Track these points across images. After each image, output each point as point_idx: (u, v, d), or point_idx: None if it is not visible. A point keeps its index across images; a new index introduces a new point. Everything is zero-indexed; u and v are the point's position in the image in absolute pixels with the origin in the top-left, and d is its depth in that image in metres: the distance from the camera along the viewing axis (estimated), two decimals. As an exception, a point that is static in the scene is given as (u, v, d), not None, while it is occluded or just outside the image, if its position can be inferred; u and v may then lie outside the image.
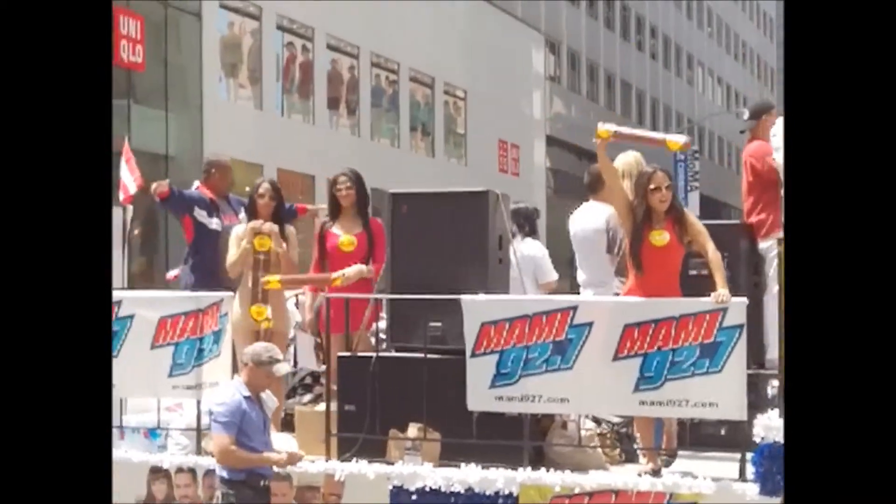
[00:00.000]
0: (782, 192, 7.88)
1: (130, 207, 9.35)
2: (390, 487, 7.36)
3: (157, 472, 7.98)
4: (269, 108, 30.88)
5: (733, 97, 74.62)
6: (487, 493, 7.17)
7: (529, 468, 7.25)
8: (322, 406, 7.92)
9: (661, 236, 7.31)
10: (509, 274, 8.16)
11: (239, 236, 8.39)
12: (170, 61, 27.11)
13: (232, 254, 8.37)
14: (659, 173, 7.39)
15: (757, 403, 7.39)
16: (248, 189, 8.85)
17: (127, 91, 24.96)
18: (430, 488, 7.26)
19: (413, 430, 7.53)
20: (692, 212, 8.14)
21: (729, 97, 74.59)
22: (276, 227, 8.35)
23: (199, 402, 8.10)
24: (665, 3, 63.78)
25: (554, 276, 9.21)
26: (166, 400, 8.48)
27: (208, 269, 8.85)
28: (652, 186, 7.32)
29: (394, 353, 7.88)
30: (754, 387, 7.48)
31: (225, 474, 6.86)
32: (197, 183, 9.44)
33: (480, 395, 7.33)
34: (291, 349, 8.86)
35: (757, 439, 6.82)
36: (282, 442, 7.46)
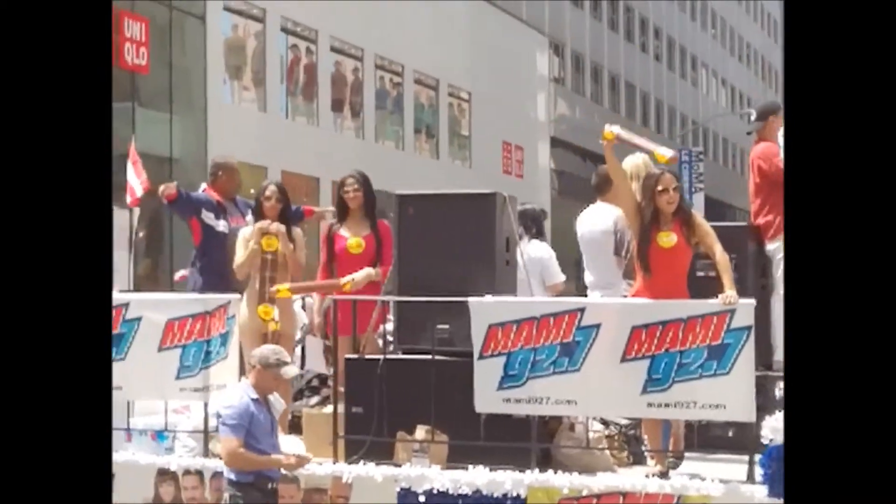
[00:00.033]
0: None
1: (136, 210, 9.36)
2: (398, 489, 7.36)
3: (164, 474, 7.98)
4: (274, 110, 30.88)
5: (737, 99, 74.60)
6: (495, 495, 7.17)
7: (537, 470, 7.25)
8: (329, 408, 7.92)
9: (669, 238, 7.30)
10: (516, 276, 8.16)
11: (246, 238, 8.39)
12: (174, 64, 27.11)
13: (239, 255, 8.37)
14: (666, 175, 7.38)
15: (765, 405, 7.36)
16: (253, 192, 8.86)
17: (131, 94, 25.01)
18: (438, 490, 7.26)
19: (421, 432, 7.52)
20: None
21: (733, 99, 74.55)
22: (283, 228, 8.34)
23: (206, 405, 8.10)
24: (669, 5, 63.76)
25: (561, 277, 9.21)
26: (174, 402, 8.48)
27: (216, 272, 8.84)
28: (659, 188, 7.32)
29: (401, 356, 7.88)
30: (762, 389, 7.46)
31: (233, 477, 6.86)
32: (204, 185, 9.44)
33: (488, 397, 7.32)
34: (298, 351, 8.87)
35: (765, 441, 6.82)
36: (289, 444, 7.47)
